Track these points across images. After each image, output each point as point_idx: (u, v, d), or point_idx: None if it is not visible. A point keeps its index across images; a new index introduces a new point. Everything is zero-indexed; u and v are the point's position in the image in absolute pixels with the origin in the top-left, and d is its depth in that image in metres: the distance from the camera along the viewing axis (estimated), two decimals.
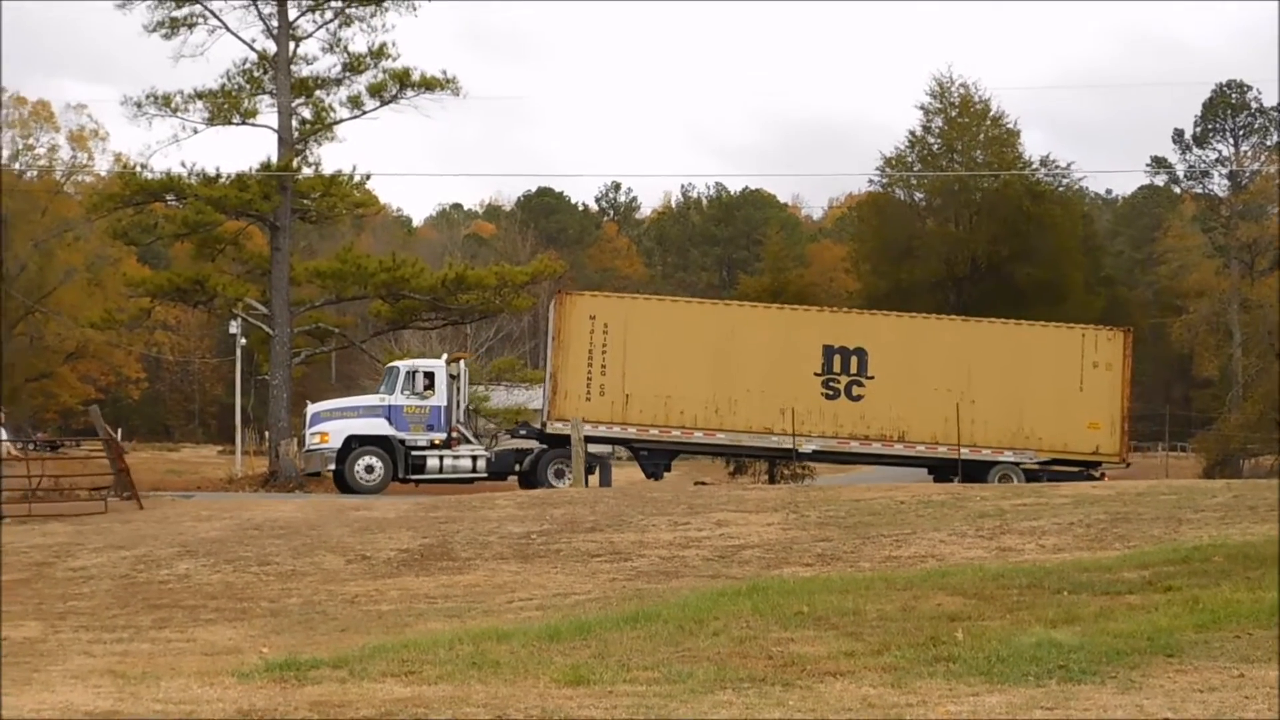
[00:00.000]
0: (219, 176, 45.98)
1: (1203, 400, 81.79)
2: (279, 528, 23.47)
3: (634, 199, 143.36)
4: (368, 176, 50.93)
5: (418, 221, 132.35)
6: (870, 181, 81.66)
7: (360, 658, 11.47)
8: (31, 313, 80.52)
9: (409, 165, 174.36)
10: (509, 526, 22.55)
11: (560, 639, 12.17)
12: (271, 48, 47.13)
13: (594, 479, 35.82)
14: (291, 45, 47.01)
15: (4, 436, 27.91)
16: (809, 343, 37.18)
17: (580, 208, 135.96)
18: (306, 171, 47.74)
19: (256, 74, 47.44)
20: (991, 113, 73.91)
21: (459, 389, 37.73)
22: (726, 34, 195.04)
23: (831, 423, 36.77)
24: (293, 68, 47.09)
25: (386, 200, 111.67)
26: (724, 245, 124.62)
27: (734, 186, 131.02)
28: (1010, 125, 74.23)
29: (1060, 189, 77.94)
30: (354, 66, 47.80)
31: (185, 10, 46.84)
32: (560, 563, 19.43)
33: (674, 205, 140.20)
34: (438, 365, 37.66)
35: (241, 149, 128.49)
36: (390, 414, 36.60)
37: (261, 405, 56.17)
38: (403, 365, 38.01)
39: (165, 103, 46.22)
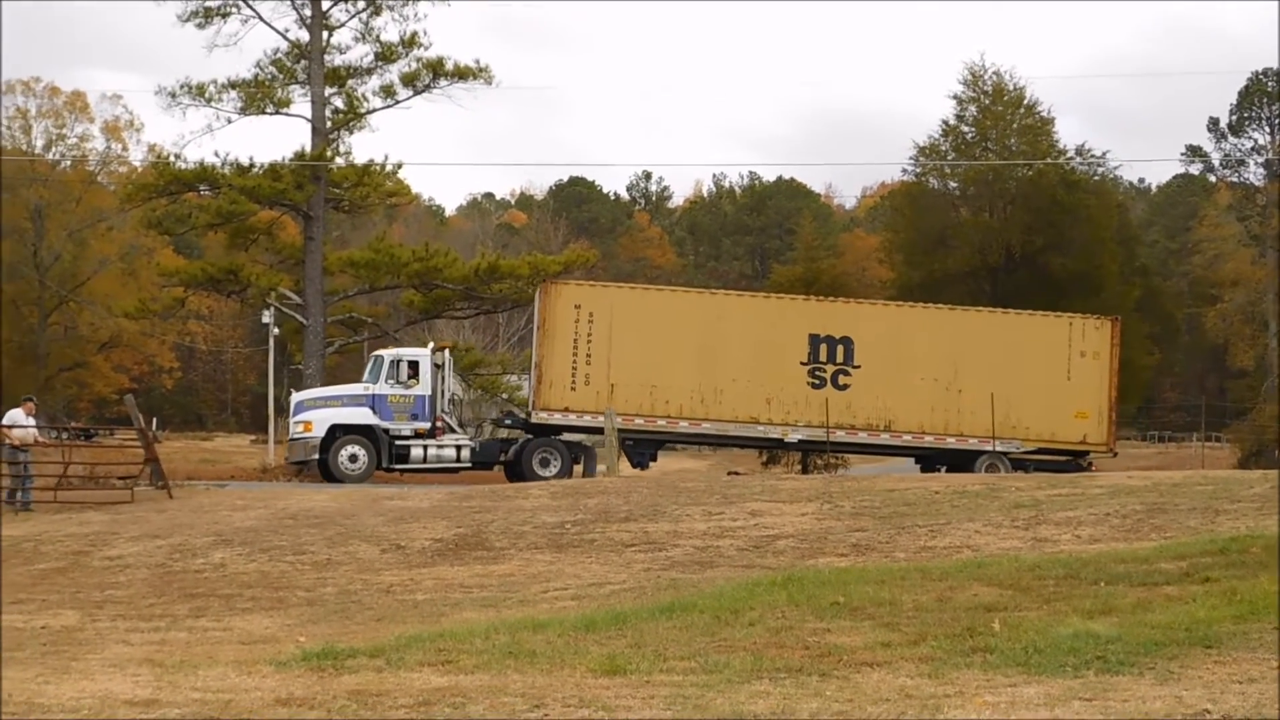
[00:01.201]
0: (252, 166, 46.24)
1: (1238, 390, 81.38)
2: (313, 517, 23.54)
3: (666, 188, 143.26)
4: (400, 166, 51.06)
5: (449, 211, 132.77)
6: (903, 171, 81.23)
7: (397, 647, 11.50)
8: (65, 302, 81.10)
9: (441, 155, 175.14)
10: (543, 516, 22.55)
11: (596, 629, 12.17)
12: (304, 37, 47.35)
13: (578, 469, 35.91)
14: (324, 35, 47.19)
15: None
16: (795, 332, 36.85)
17: (612, 197, 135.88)
18: (339, 161, 47.89)
19: (289, 64, 47.69)
20: (1025, 101, 73.41)
21: (444, 378, 37.62)
22: (758, 23, 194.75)
23: (818, 412, 36.36)
24: (325, 57, 47.26)
25: (418, 190, 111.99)
26: (756, 235, 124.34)
27: (766, 176, 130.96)
28: (1044, 114, 73.64)
29: (1095, 178, 77.37)
30: (386, 56, 47.99)
31: (219, 0, 47.10)
32: (595, 552, 19.43)
33: (706, 195, 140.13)
34: (422, 354, 37.54)
35: (275, 139, 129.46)
36: (374, 403, 36.46)
37: None
38: (387, 354, 37.90)
39: (199, 92, 46.52)
